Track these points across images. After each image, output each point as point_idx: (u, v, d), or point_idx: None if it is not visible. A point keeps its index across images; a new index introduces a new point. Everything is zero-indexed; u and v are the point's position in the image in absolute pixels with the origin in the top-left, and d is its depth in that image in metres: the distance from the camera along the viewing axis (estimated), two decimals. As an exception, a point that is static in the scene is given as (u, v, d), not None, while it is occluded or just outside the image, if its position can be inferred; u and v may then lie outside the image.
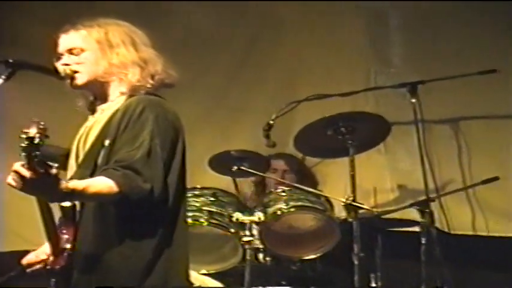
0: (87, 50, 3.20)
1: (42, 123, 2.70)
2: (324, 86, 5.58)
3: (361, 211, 4.69)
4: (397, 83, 5.29)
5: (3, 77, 3.06)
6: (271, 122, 5.09)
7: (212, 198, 4.84)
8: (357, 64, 6.00)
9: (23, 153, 2.71)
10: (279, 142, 5.22)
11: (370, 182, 5.52)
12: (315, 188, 5.28)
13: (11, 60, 3.09)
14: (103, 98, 3.25)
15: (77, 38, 3.21)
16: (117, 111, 3.09)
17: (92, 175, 2.96)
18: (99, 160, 3.01)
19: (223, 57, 6.12)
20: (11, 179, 2.78)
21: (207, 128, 5.92)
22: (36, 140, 2.69)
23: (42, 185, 2.72)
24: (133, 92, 3.15)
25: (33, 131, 2.69)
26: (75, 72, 3.17)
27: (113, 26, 3.24)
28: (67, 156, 3.27)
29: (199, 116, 5.80)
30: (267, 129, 5.09)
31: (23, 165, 2.69)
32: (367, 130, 4.94)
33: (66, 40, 3.23)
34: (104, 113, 3.19)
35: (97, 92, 3.26)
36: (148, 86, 3.16)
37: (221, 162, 5.13)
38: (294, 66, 6.11)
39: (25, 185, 2.72)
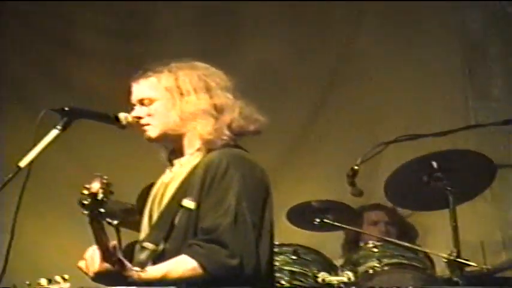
0: (157, 99, 3.10)
1: (105, 177, 2.67)
2: (414, 125, 5.27)
3: (467, 268, 4.29)
4: (500, 119, 4.80)
5: (58, 127, 2.97)
6: (356, 167, 4.59)
7: (293, 256, 4.61)
8: (453, 99, 5.65)
9: (86, 211, 2.67)
10: (366, 191, 4.78)
11: (476, 234, 5.19)
12: (413, 243, 4.97)
13: (66, 108, 3.00)
14: (179, 151, 3.15)
15: (147, 87, 3.12)
16: (196, 166, 2.99)
17: (167, 238, 2.91)
18: (176, 221, 2.91)
19: (299, 97, 5.91)
20: (82, 263, 2.81)
21: (283, 177, 5.58)
22: (100, 196, 2.65)
23: (114, 276, 2.75)
24: (208, 145, 3.04)
25: (96, 186, 2.65)
26: (147, 124, 3.09)
27: (185, 71, 3.14)
28: (128, 211, 3.46)
29: (273, 163, 5.46)
30: (351, 176, 4.62)
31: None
32: (468, 173, 4.49)
33: (137, 89, 3.16)
34: (182, 168, 3.08)
35: (173, 145, 3.17)
36: (225, 137, 3.05)
37: (301, 215, 4.89)
38: (379, 104, 5.80)
39: (96, 275, 2.75)
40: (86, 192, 2.65)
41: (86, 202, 2.66)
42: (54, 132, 3.00)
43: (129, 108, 3.17)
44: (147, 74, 3.14)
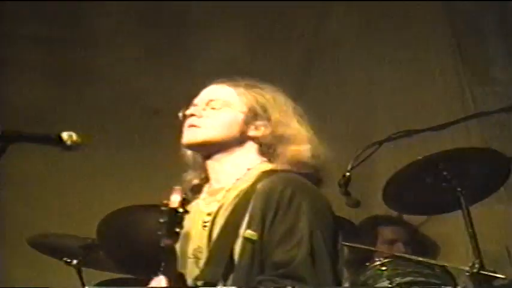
0: (230, 107, 3.03)
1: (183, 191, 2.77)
2: (407, 121, 4.84)
3: (495, 282, 4.04)
4: (506, 105, 4.62)
5: None
6: (348, 173, 4.31)
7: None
8: (447, 87, 5.21)
9: (166, 228, 2.72)
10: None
11: (497, 240, 4.80)
12: (433, 257, 4.65)
13: None
14: (218, 172, 3.02)
15: (226, 92, 3.06)
16: (250, 192, 2.91)
17: (227, 274, 2.82)
18: (237, 255, 2.82)
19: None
20: None
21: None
22: (180, 210, 2.73)
23: None
24: (269, 169, 2.97)
25: (176, 199, 2.73)
26: (195, 126, 2.99)
27: (272, 93, 3.08)
28: (90, 247, 3.43)
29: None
30: (343, 184, 4.32)
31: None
32: (478, 172, 4.25)
33: (212, 89, 3.09)
34: (229, 194, 2.96)
35: (210, 162, 3.03)
36: (302, 169, 2.97)
37: None
38: (363, 100, 5.35)
39: None
40: (165, 208, 2.70)
41: (164, 220, 2.70)
42: None
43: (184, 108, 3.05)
44: (235, 82, 3.08)
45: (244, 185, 2.97)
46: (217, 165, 3.02)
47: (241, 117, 3.02)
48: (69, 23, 5.53)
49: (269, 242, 2.83)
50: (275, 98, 3.07)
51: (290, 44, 5.52)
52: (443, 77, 5.24)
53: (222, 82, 3.09)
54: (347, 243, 4.20)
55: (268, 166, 2.99)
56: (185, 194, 2.73)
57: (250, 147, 3.03)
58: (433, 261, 4.29)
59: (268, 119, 3.02)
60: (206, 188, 3.05)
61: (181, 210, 2.70)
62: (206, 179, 3.08)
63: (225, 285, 2.84)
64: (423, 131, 4.47)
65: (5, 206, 5.16)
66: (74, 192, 4.92)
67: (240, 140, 3.02)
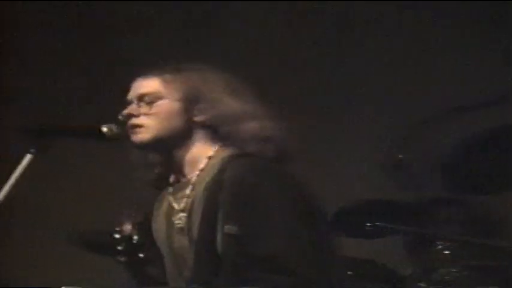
0: (163, 97, 2.90)
1: (133, 214, 2.68)
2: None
3: None
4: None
5: (32, 150, 2.67)
6: (400, 156, 4.32)
7: (348, 272, 4.02)
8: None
9: (123, 260, 2.64)
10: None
11: None
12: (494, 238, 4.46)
13: (36, 127, 2.76)
14: (177, 165, 2.93)
15: (155, 83, 2.93)
16: (217, 183, 2.80)
17: (216, 272, 2.73)
18: (221, 252, 2.72)
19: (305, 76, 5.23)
20: None
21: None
22: (135, 239, 2.61)
23: None
24: (236, 154, 2.86)
25: (127, 228, 2.61)
26: (139, 126, 2.86)
27: (209, 72, 2.97)
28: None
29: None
30: (396, 167, 4.38)
31: None
32: None
33: (140, 84, 2.93)
34: (197, 187, 2.88)
35: (166, 158, 2.94)
36: (257, 148, 2.87)
37: (348, 219, 4.38)
38: (397, 76, 5.04)
39: None
40: (117, 236, 2.58)
41: (120, 248, 2.57)
42: (27, 158, 2.69)
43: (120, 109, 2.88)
44: (160, 70, 2.93)
45: (209, 177, 2.87)
46: (176, 159, 2.93)
47: (178, 105, 2.92)
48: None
49: (249, 234, 2.74)
50: (208, 77, 2.97)
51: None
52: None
53: (147, 73, 2.97)
54: (403, 227, 4.14)
55: (226, 151, 2.89)
56: (139, 218, 2.60)
57: (202, 134, 2.93)
58: (499, 245, 4.11)
59: (208, 100, 2.93)
60: (171, 181, 2.97)
61: (136, 237, 2.59)
62: (166, 172, 2.99)
63: (218, 284, 2.77)
64: (475, 107, 4.39)
65: (51, 202, 5.09)
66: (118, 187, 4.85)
67: (188, 128, 2.92)
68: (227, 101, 2.93)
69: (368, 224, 4.14)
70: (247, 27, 5.23)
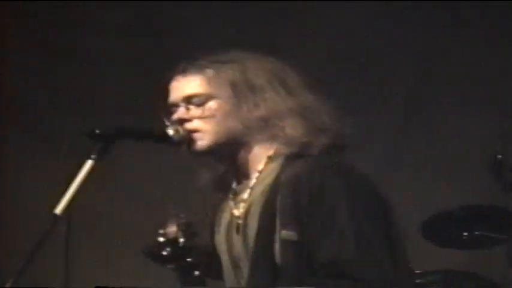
0: (214, 97, 2.75)
1: (182, 215, 2.61)
2: None
3: None
4: None
5: (93, 156, 2.57)
6: (499, 156, 4.04)
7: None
8: None
9: (169, 266, 2.59)
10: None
11: None
12: None
13: (98, 131, 2.62)
14: (240, 168, 2.80)
15: (199, 81, 2.77)
16: (276, 185, 2.70)
17: (274, 281, 2.64)
18: (279, 260, 2.63)
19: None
20: None
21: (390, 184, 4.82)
22: (181, 242, 2.56)
23: None
24: (294, 152, 2.72)
25: (172, 230, 2.56)
26: (195, 131, 2.73)
27: (253, 62, 2.82)
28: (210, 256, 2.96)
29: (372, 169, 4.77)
30: (496, 168, 4.06)
31: None
32: None
33: (183, 85, 2.78)
34: (254, 191, 2.77)
35: (226, 161, 2.82)
36: (316, 144, 2.73)
37: (441, 229, 4.25)
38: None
39: None
40: (162, 239, 2.53)
41: (165, 253, 2.53)
42: (89, 164, 2.57)
43: (163, 113, 2.76)
44: (199, 64, 2.76)
45: (269, 178, 2.75)
46: (237, 160, 2.78)
47: (230, 103, 2.76)
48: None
49: (310, 239, 2.62)
50: (249, 67, 2.80)
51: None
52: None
53: (186, 71, 2.80)
54: (505, 236, 3.99)
55: (285, 149, 2.74)
56: (185, 220, 2.57)
57: (260, 131, 2.77)
58: None
59: (257, 92, 2.77)
60: (233, 185, 2.84)
61: (181, 242, 2.54)
62: (228, 175, 2.86)
63: None
64: None
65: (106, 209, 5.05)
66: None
67: (246, 126, 2.77)
68: (275, 92, 2.78)
69: (465, 234, 4.08)
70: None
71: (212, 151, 2.74)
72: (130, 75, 5.15)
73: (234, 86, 2.76)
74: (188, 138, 2.71)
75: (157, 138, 2.70)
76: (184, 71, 2.77)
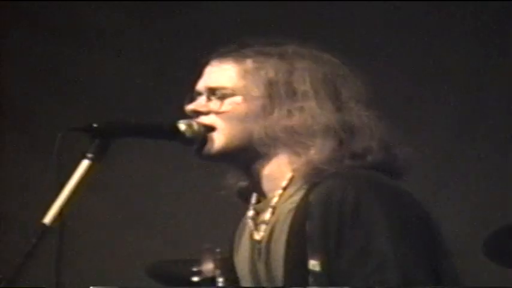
0: (243, 93, 2.54)
1: (217, 250, 2.61)
2: None
3: None
4: None
5: (89, 155, 2.38)
6: None
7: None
8: None
9: None
10: None
11: None
12: None
13: (95, 125, 2.41)
14: (260, 182, 2.58)
15: (233, 72, 2.55)
16: (305, 206, 2.47)
17: None
18: None
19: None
20: None
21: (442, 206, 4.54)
22: (220, 282, 2.57)
23: None
24: (311, 178, 2.48)
25: (209, 267, 2.58)
26: (210, 128, 2.49)
27: (306, 61, 2.57)
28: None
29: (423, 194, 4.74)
30: None
31: None
32: None
33: (214, 73, 2.57)
34: (278, 211, 2.55)
35: (245, 172, 2.60)
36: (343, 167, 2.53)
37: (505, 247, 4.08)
38: None
39: None
40: (196, 278, 2.58)
41: None
42: (85, 164, 2.37)
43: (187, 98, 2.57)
44: (241, 53, 2.55)
45: (295, 197, 2.55)
46: (254, 173, 2.59)
47: (257, 104, 2.55)
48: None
49: (338, 270, 2.44)
50: (299, 67, 2.59)
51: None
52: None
53: (224, 57, 2.60)
54: None
55: (315, 164, 2.53)
56: (220, 255, 2.57)
57: (287, 142, 2.56)
58: None
59: (296, 98, 2.56)
60: (252, 200, 2.65)
61: (220, 282, 2.58)
62: (248, 188, 2.68)
63: None
64: None
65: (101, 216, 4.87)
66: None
67: (266, 136, 2.56)
68: (318, 103, 2.56)
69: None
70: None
71: (223, 157, 2.54)
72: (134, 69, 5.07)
73: (270, 85, 2.56)
74: (202, 136, 2.48)
75: (166, 134, 2.48)
76: (221, 57, 2.58)
